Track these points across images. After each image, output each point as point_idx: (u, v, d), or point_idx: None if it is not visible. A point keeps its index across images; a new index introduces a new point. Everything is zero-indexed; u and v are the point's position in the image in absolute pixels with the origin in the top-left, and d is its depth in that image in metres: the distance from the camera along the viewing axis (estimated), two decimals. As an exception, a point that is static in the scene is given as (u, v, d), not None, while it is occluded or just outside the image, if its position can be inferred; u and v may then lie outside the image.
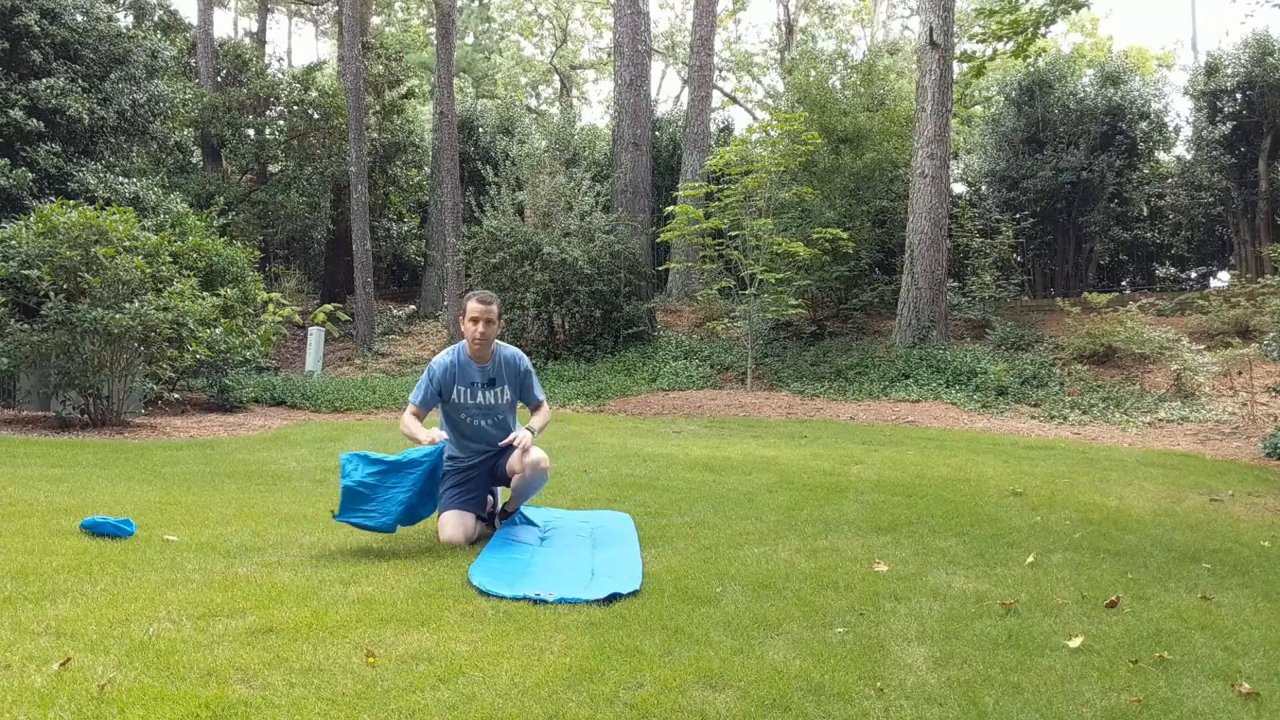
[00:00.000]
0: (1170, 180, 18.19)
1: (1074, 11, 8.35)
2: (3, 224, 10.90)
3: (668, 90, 41.23)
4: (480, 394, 4.70)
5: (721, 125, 25.17)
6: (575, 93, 37.38)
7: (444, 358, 4.75)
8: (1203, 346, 12.70)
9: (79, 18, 14.55)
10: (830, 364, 14.39)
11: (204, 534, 4.41)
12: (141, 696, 2.43)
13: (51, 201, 10.90)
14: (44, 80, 13.78)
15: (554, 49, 35.92)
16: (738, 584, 3.77)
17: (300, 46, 67.92)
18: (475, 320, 4.63)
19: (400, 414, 5.78)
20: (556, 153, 18.59)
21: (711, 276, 16.54)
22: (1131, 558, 4.50)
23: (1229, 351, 11.91)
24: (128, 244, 10.19)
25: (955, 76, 15.29)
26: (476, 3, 35.16)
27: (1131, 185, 17.60)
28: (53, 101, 13.67)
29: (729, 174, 14.69)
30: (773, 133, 15.64)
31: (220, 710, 2.39)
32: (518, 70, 35.61)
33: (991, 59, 8.71)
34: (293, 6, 34.14)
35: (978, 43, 8.81)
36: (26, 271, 9.70)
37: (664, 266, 17.46)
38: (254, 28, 29.30)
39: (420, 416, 4.66)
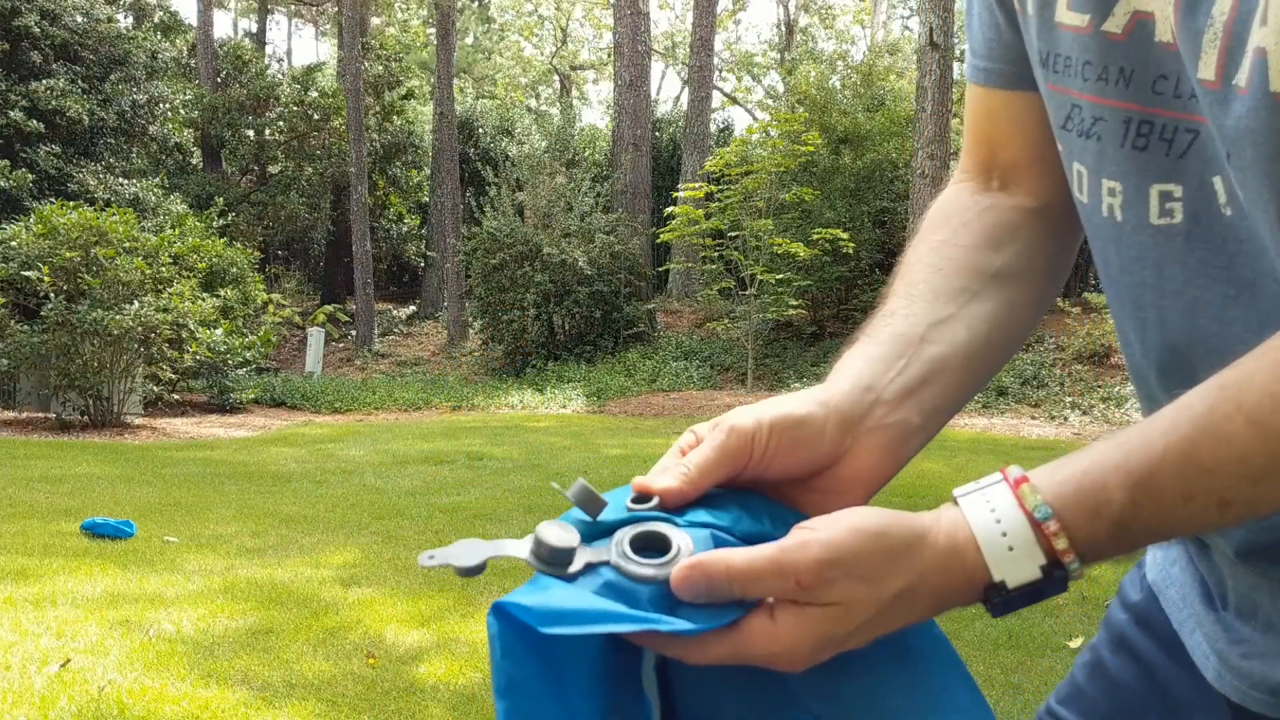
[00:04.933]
0: (1170, 180, 18.18)
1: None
2: (3, 225, 10.90)
3: (668, 91, 41.27)
4: None
5: (721, 126, 25.16)
6: (575, 93, 37.39)
7: None
8: (1203, 346, 12.70)
9: (79, 19, 14.55)
10: (830, 364, 14.33)
11: (204, 534, 4.41)
12: (141, 697, 2.43)
13: (51, 203, 10.90)
14: (44, 81, 13.78)
15: (554, 50, 35.94)
16: (738, 584, 3.77)
17: (300, 47, 67.98)
18: None
19: (404, 415, 5.74)
20: (556, 153, 18.59)
21: (711, 277, 16.53)
22: (1131, 557, 4.49)
23: (1229, 351, 11.92)
24: (127, 245, 10.20)
25: (955, 76, 15.30)
26: (476, 3, 35.17)
27: (1131, 185, 17.61)
28: (52, 103, 13.68)
29: (729, 175, 14.69)
30: (773, 133, 15.65)
31: (220, 710, 2.39)
32: (518, 70, 35.62)
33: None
34: (293, 7, 34.15)
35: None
36: (26, 273, 9.71)
37: (664, 267, 17.45)
38: (254, 28, 29.32)
39: None
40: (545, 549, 0.54)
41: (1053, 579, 0.50)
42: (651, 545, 0.55)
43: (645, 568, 0.52)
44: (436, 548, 0.55)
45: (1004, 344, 0.70)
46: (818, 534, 0.50)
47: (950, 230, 0.73)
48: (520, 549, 0.55)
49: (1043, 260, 0.74)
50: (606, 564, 0.54)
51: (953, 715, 0.58)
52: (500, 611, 0.52)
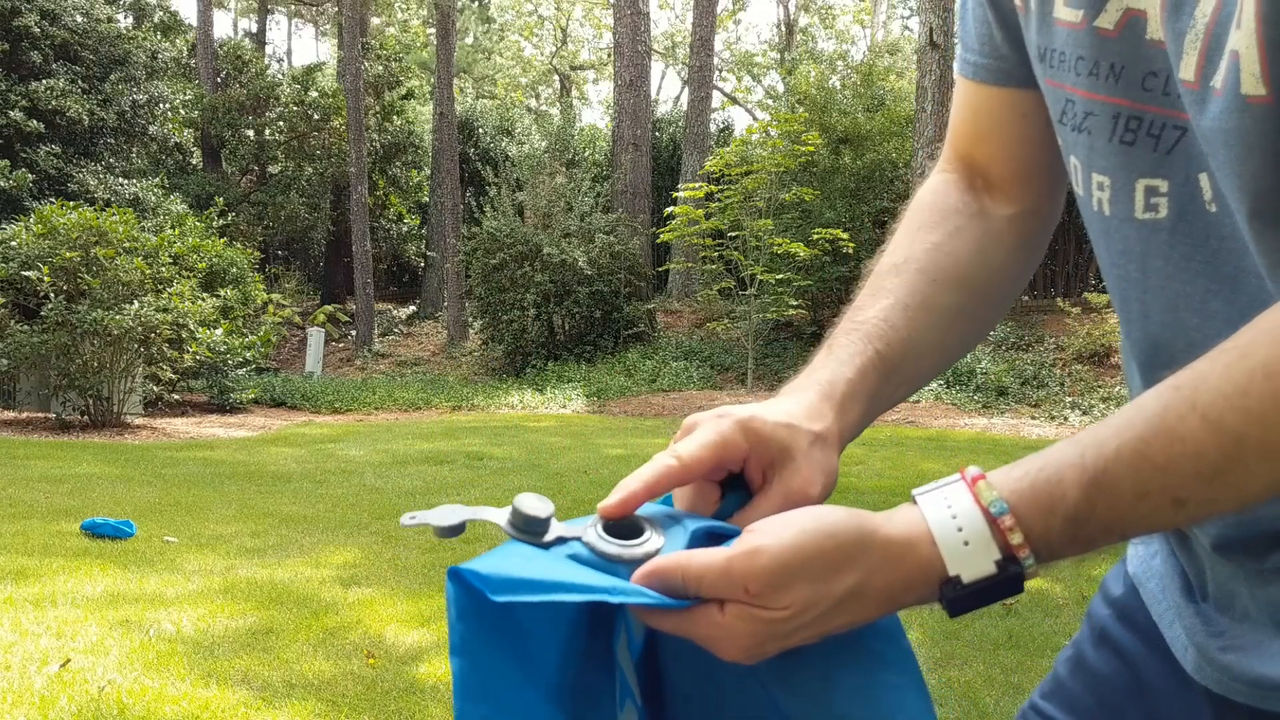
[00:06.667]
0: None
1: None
2: (3, 225, 10.91)
3: (668, 90, 41.25)
4: None
5: (721, 126, 25.16)
6: (575, 93, 37.39)
7: None
8: (1203, 346, 12.70)
9: (79, 19, 14.55)
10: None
11: (204, 534, 4.42)
12: (141, 697, 2.43)
13: (51, 203, 10.91)
14: (44, 81, 13.79)
15: (554, 50, 35.93)
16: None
17: (300, 47, 67.99)
18: None
19: (404, 415, 5.73)
20: (556, 153, 18.59)
21: (711, 277, 16.54)
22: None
23: (1229, 351, 11.91)
24: (127, 245, 10.20)
25: (956, 76, 15.30)
26: (476, 3, 35.18)
27: (1131, 185, 17.59)
28: (52, 103, 13.68)
29: (729, 175, 14.69)
30: (773, 133, 15.65)
31: (220, 710, 2.39)
32: (518, 70, 35.61)
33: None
34: (293, 7, 34.15)
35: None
36: (26, 273, 9.71)
37: (664, 267, 17.46)
38: (254, 28, 29.33)
39: None
40: (520, 517, 0.57)
41: (1008, 574, 0.51)
42: (626, 531, 0.58)
43: (613, 547, 0.56)
44: (420, 510, 0.58)
45: (936, 374, 0.75)
46: (766, 541, 0.52)
47: (945, 234, 0.75)
48: (499, 516, 0.58)
49: (1007, 278, 0.77)
50: (578, 539, 0.57)
51: None
52: (457, 576, 0.54)
